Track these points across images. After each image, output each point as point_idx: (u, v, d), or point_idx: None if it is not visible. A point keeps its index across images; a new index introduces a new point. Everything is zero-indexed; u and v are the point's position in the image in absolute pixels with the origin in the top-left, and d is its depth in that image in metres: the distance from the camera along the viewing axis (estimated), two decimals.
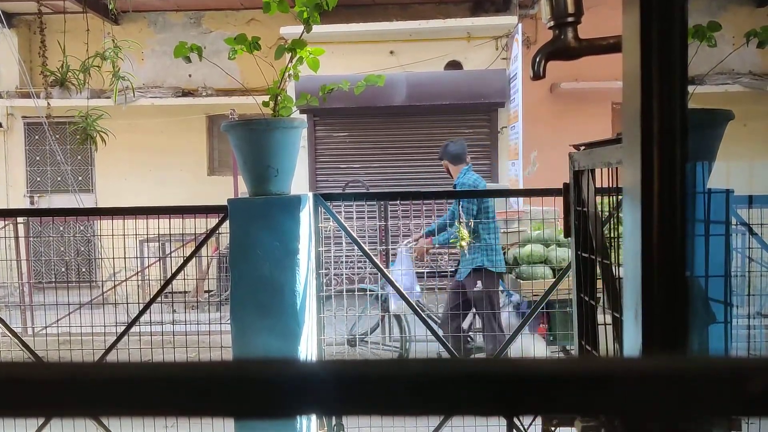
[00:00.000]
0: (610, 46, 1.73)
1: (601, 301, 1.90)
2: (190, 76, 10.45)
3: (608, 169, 1.83)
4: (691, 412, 0.42)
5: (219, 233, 3.58)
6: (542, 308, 5.23)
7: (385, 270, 3.82)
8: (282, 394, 0.44)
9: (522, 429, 3.35)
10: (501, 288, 5.52)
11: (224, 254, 7.31)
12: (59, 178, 10.67)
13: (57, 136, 8.66)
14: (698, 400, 0.41)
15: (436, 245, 5.67)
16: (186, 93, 10.50)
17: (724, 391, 0.41)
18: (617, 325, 1.67)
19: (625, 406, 0.42)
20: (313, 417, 3.33)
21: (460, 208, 5.36)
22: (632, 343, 1.33)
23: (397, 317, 5.89)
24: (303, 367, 0.47)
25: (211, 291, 8.40)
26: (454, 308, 5.46)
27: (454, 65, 9.92)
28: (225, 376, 0.45)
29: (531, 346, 4.97)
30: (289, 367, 0.45)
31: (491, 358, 0.44)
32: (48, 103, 6.22)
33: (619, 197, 1.73)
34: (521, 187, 8.74)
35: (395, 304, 5.55)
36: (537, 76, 1.91)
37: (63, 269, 8.58)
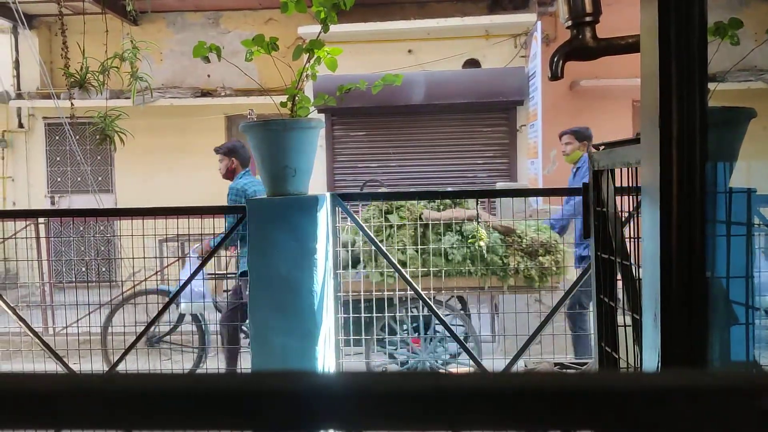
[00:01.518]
0: (628, 45, 1.71)
1: (621, 302, 1.88)
2: (208, 76, 10.51)
3: (628, 169, 1.81)
4: (707, 428, 0.41)
5: (237, 233, 3.60)
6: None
7: (403, 271, 3.81)
8: (300, 408, 0.44)
9: None
10: None
11: None
12: (79, 179, 10.77)
13: (77, 137, 8.75)
14: (715, 416, 0.40)
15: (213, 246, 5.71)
16: (205, 93, 10.55)
17: (741, 407, 0.40)
18: (637, 326, 1.66)
19: (642, 422, 0.41)
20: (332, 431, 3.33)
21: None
22: (651, 345, 1.31)
23: (195, 317, 5.93)
24: (322, 380, 0.46)
25: (230, 290, 8.43)
26: (232, 309, 5.52)
27: (472, 63, 9.88)
28: (243, 389, 0.45)
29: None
30: (307, 380, 0.45)
31: (511, 373, 0.44)
32: (72, 104, 6.27)
33: (639, 197, 1.71)
34: (540, 186, 8.69)
35: (184, 305, 5.63)
36: (555, 76, 1.89)
37: (83, 269, 8.65)
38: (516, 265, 4.97)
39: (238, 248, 5.57)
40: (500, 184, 8.80)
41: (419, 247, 4.81)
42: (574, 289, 3.76)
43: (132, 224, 4.70)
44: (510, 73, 9.60)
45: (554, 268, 5.01)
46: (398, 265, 3.78)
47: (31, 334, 3.89)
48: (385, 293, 4.48)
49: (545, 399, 0.42)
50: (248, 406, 0.44)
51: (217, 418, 0.44)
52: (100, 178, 10.82)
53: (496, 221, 5.18)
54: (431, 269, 4.67)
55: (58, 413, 0.45)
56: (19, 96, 10.78)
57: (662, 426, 0.41)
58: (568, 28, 1.78)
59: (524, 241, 5.07)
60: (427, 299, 3.70)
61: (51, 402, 0.45)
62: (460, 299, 5.82)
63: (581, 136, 6.28)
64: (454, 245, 4.94)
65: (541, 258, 5.02)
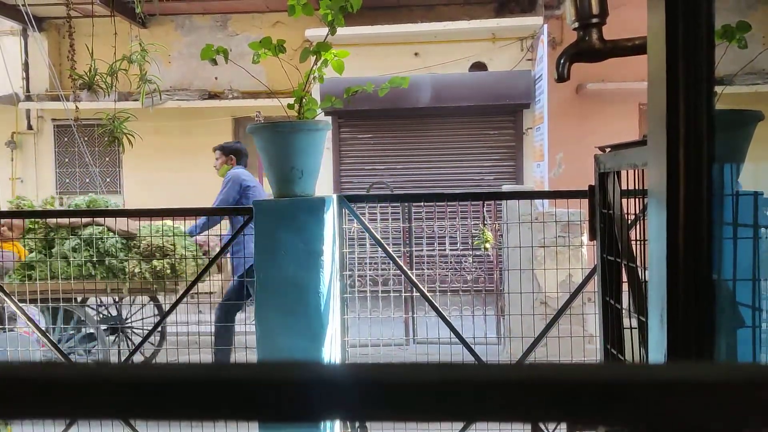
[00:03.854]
0: (635, 47, 1.72)
1: (627, 304, 1.88)
2: (216, 78, 10.53)
3: (634, 171, 1.81)
4: (716, 422, 0.41)
5: (244, 234, 3.60)
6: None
7: (408, 272, 3.81)
8: (306, 398, 0.44)
9: None
10: None
11: None
12: (87, 180, 10.82)
13: (85, 138, 8.79)
14: (721, 409, 0.41)
15: None
16: (212, 95, 10.58)
17: (747, 399, 0.41)
18: (643, 328, 1.66)
19: (649, 414, 0.41)
20: (337, 421, 3.33)
21: None
22: (657, 347, 1.31)
23: None
24: (327, 371, 0.47)
25: None
26: None
27: (479, 66, 9.89)
28: (249, 378, 0.45)
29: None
30: (313, 371, 0.45)
31: (518, 365, 0.44)
32: (76, 106, 6.30)
33: (646, 199, 1.71)
34: (546, 188, 8.68)
35: None
36: (561, 78, 1.89)
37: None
38: (133, 269, 5.15)
39: None
40: (506, 187, 8.80)
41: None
42: (579, 292, 3.76)
43: (139, 225, 4.71)
44: (516, 76, 9.60)
45: (169, 272, 5.29)
46: (404, 267, 3.78)
47: (39, 334, 3.90)
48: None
49: (552, 390, 0.42)
50: (254, 397, 0.44)
51: (223, 408, 0.45)
52: (107, 179, 10.86)
53: (120, 226, 5.36)
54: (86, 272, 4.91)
55: (62, 403, 0.45)
56: (29, 98, 10.84)
57: (669, 418, 0.41)
58: (574, 29, 1.78)
59: (142, 245, 5.26)
60: (431, 299, 3.70)
61: (57, 391, 0.45)
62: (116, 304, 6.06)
63: (228, 150, 6.35)
64: (75, 248, 5.13)
65: (156, 262, 5.23)
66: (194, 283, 3.83)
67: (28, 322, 3.86)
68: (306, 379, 0.44)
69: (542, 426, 3.28)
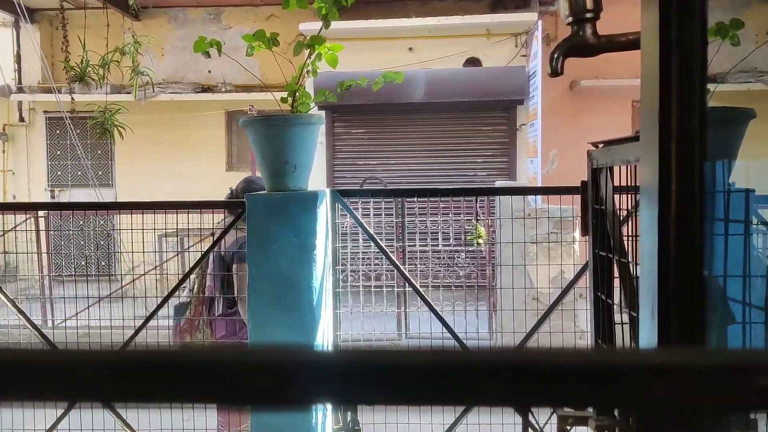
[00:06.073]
0: (629, 42, 1.72)
1: (618, 299, 1.89)
2: (209, 71, 10.50)
3: (627, 167, 1.82)
4: (704, 406, 0.42)
5: (237, 228, 3.60)
6: None
7: (401, 267, 3.81)
8: (296, 383, 0.44)
9: (538, 428, 3.34)
10: None
11: None
12: (80, 173, 10.77)
13: (78, 131, 8.75)
14: (712, 394, 0.41)
15: None
16: (205, 89, 10.55)
17: (738, 385, 0.41)
18: (634, 323, 1.67)
19: (638, 398, 0.42)
20: (329, 413, 3.34)
21: None
22: (648, 342, 1.32)
23: None
24: (318, 356, 0.47)
25: None
26: None
27: (473, 62, 9.89)
28: (239, 363, 0.45)
29: None
30: (303, 356, 0.45)
31: (507, 349, 0.44)
32: (72, 98, 6.28)
33: (638, 195, 1.72)
34: (540, 185, 8.70)
35: None
36: (555, 72, 1.90)
37: (83, 263, 8.67)
38: None
39: None
40: (499, 183, 8.81)
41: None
42: (571, 287, 3.77)
43: (132, 218, 4.70)
44: (510, 72, 9.61)
45: None
46: (397, 262, 3.78)
47: (30, 327, 3.89)
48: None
49: (544, 375, 0.42)
50: (245, 381, 0.44)
51: (214, 393, 0.45)
52: (100, 173, 10.82)
53: None
54: None
55: (47, 387, 0.45)
56: (20, 90, 10.79)
57: (660, 402, 0.41)
58: (568, 24, 1.79)
59: None
60: (424, 295, 3.70)
61: (42, 375, 0.45)
62: None
63: None
64: None
65: None
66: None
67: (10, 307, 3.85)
68: (296, 363, 0.44)
69: (533, 421, 3.30)
